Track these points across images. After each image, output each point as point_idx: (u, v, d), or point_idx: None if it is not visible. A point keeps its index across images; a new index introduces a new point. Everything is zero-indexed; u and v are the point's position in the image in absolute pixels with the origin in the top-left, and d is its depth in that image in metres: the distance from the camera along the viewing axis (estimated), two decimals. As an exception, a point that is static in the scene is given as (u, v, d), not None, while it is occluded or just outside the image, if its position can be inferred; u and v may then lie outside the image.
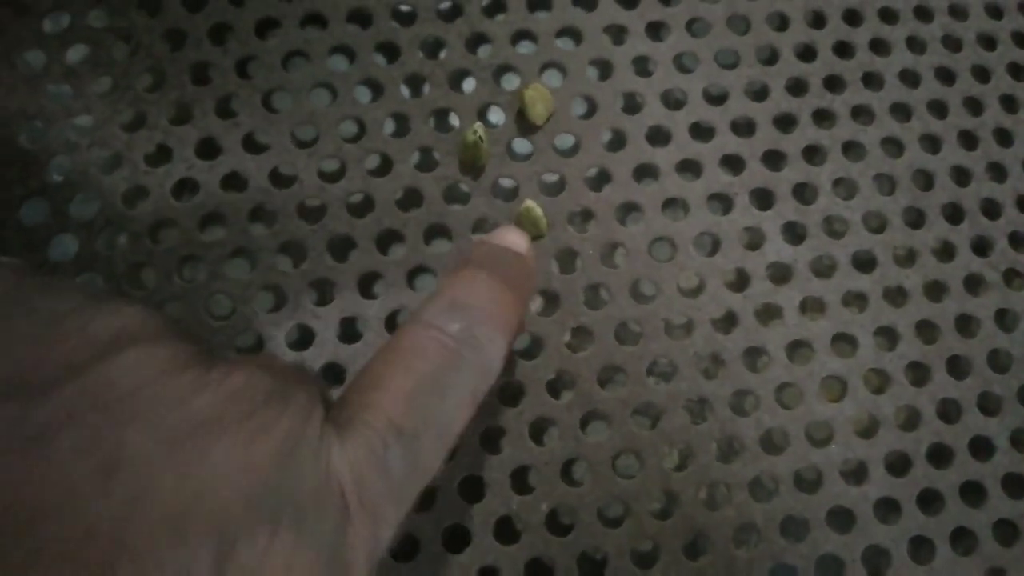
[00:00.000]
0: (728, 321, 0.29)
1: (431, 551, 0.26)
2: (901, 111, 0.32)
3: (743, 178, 0.30)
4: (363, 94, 0.31)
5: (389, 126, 0.30)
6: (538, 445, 0.27)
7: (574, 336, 0.29)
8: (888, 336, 0.29)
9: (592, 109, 0.31)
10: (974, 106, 0.32)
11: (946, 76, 0.33)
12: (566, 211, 0.29)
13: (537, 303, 0.29)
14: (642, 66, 0.31)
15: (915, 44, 0.33)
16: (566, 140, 0.31)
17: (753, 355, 0.29)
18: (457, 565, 0.26)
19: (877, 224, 0.31)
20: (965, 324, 0.30)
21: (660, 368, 0.28)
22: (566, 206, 0.29)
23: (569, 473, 0.27)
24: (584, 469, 0.27)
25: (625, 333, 0.29)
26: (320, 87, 0.30)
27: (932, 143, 0.32)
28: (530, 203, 0.28)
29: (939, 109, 0.32)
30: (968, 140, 0.32)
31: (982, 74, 0.33)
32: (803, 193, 0.31)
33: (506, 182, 0.30)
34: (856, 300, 0.30)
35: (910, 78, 0.32)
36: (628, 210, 0.30)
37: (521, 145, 0.30)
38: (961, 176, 0.32)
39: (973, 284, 0.30)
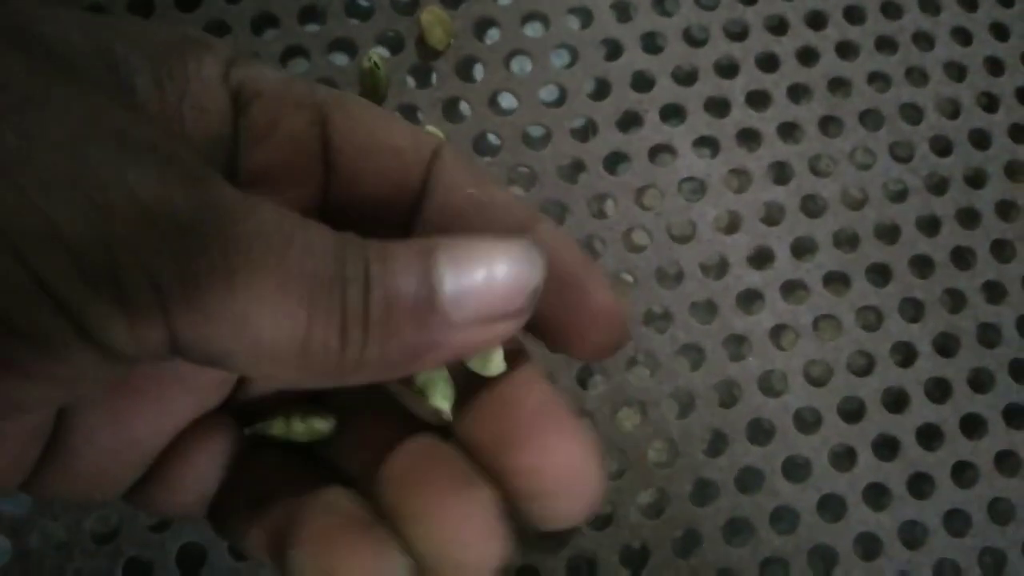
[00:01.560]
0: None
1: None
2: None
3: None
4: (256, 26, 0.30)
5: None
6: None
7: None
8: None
9: (493, 28, 0.30)
10: (963, 35, 0.31)
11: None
12: (470, 138, 0.29)
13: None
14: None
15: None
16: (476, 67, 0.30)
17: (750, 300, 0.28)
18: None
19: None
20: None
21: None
22: (470, 133, 0.29)
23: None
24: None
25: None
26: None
27: (927, 41, 0.31)
28: (432, 129, 0.27)
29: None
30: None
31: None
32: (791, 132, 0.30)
33: (409, 111, 0.29)
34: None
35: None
36: (540, 139, 0.29)
37: (421, 73, 0.29)
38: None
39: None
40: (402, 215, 0.15)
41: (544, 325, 0.14)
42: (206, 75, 0.14)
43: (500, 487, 0.13)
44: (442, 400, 0.14)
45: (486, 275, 0.12)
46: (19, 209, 0.10)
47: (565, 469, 0.13)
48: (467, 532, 0.13)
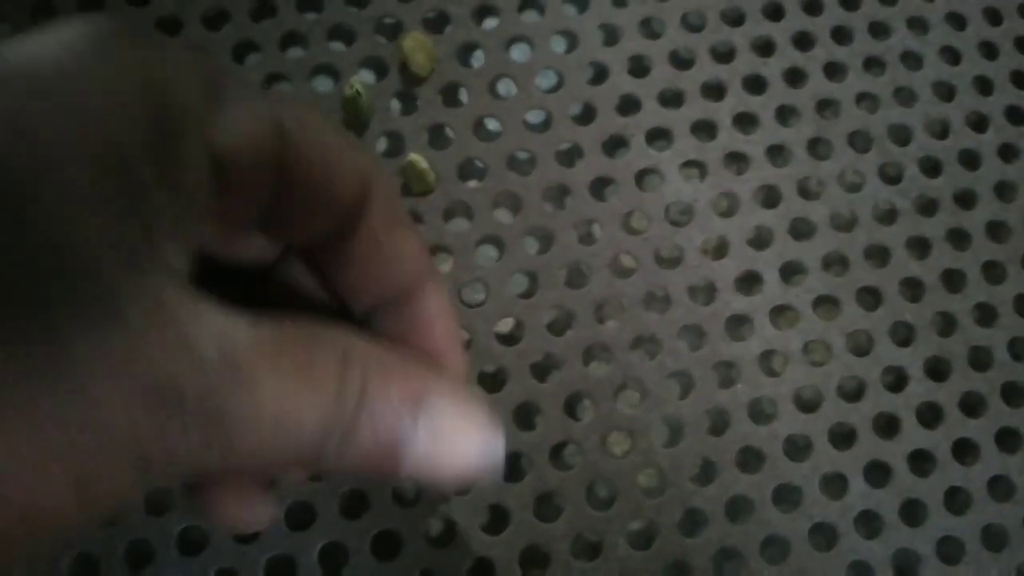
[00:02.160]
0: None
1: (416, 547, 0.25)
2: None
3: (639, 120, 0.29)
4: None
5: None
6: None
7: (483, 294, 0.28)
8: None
9: (478, 52, 0.30)
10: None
11: None
12: (454, 164, 0.28)
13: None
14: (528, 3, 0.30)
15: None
16: (459, 92, 0.30)
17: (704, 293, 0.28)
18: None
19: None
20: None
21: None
22: (454, 159, 0.28)
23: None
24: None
25: (533, 281, 0.28)
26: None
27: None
28: (415, 156, 0.27)
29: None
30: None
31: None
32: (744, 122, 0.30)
33: (391, 138, 0.29)
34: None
35: None
36: (522, 162, 0.29)
37: (406, 99, 0.29)
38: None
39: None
40: (330, 240, 0.17)
41: None
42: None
43: None
44: None
45: (459, 451, 0.15)
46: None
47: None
48: None
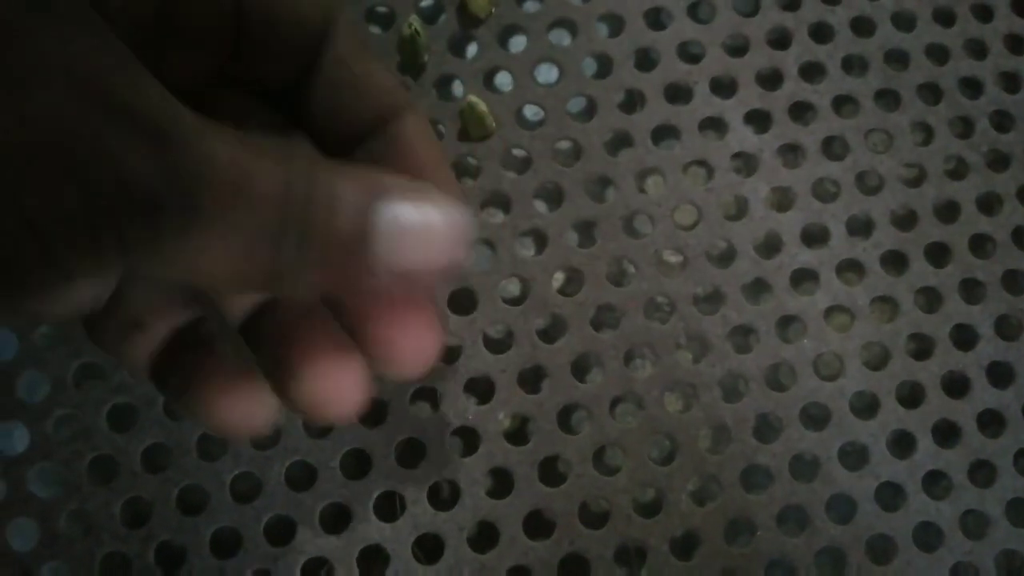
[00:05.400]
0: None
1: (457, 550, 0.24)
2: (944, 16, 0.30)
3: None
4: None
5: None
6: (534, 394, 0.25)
7: (532, 237, 0.27)
8: (864, 225, 0.28)
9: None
10: None
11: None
12: (512, 109, 0.27)
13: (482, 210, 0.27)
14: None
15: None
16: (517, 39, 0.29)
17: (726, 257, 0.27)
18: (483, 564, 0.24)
19: (848, 109, 0.29)
20: (948, 210, 0.28)
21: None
22: (512, 104, 0.27)
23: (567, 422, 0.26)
24: (582, 416, 0.26)
25: (586, 234, 0.27)
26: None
27: (986, 13, 0.30)
28: (474, 99, 0.26)
29: None
30: (946, 17, 0.30)
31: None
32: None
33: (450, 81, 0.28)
34: (915, 179, 0.28)
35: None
36: (588, 111, 0.28)
37: (465, 41, 0.28)
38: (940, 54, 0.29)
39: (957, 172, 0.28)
40: (297, 78, 0.16)
41: None
42: None
43: (363, 351, 0.16)
44: None
45: (426, 236, 0.14)
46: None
47: (412, 348, 0.16)
48: (334, 391, 0.16)
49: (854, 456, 0.26)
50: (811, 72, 0.29)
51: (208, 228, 0.12)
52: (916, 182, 0.28)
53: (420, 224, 0.14)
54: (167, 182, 0.12)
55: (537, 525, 0.24)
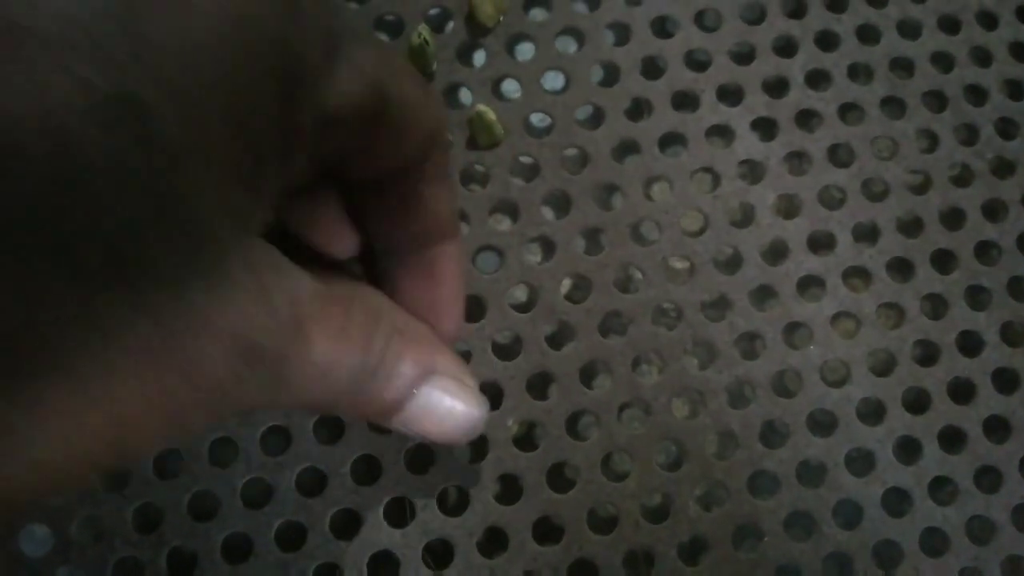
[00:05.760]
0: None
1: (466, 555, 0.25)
2: (950, 23, 0.30)
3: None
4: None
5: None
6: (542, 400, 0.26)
7: (540, 246, 0.27)
8: (870, 232, 0.28)
9: (547, 4, 0.29)
10: None
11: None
12: (519, 117, 0.28)
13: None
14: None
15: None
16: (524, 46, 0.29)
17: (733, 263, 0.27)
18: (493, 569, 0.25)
19: (854, 116, 0.29)
20: (952, 218, 0.28)
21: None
22: (520, 112, 0.28)
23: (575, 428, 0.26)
24: (590, 422, 0.26)
25: (593, 241, 0.27)
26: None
27: (991, 21, 0.30)
28: (482, 108, 0.26)
29: None
30: (951, 25, 0.30)
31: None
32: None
33: (458, 89, 0.28)
34: (921, 185, 0.28)
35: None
36: (587, 118, 0.28)
37: (472, 49, 0.28)
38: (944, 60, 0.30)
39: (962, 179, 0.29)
40: (381, 179, 0.17)
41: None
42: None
43: None
44: None
45: (444, 419, 0.18)
46: None
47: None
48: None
49: (860, 462, 0.26)
50: (817, 80, 0.29)
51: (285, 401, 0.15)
52: (921, 189, 0.28)
53: (445, 410, 0.18)
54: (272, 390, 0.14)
55: (546, 531, 0.25)
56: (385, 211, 0.18)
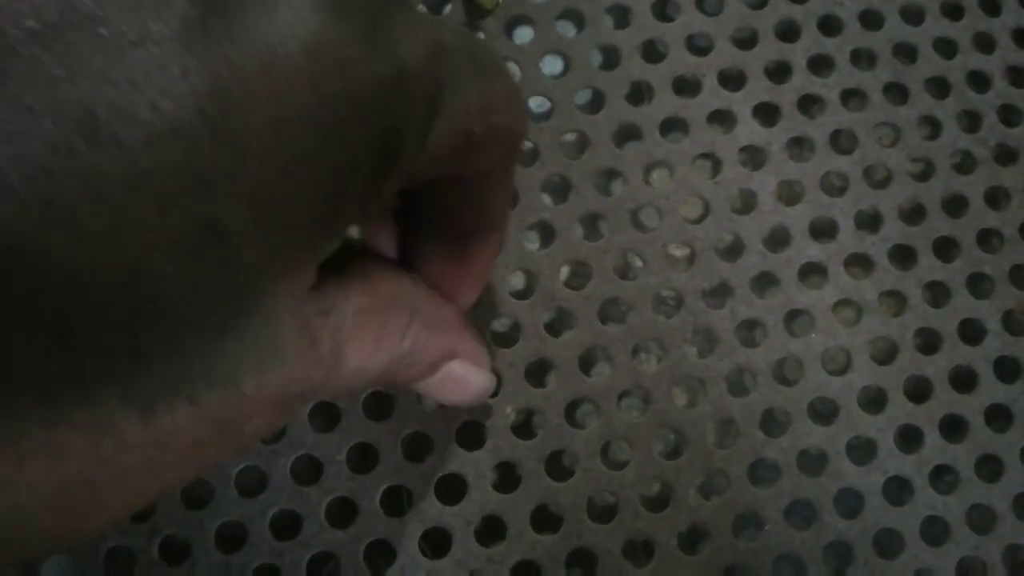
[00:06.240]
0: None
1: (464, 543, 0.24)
2: (954, 10, 0.29)
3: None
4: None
5: None
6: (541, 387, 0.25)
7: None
8: (872, 219, 0.28)
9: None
10: None
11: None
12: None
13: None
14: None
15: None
16: None
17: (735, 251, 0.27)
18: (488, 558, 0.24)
19: (856, 102, 0.28)
20: (954, 204, 0.28)
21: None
22: (521, 95, 0.27)
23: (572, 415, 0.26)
24: (588, 411, 0.26)
25: (592, 227, 0.27)
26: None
27: (994, 7, 0.29)
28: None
29: None
30: (954, 11, 0.30)
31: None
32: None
33: None
34: (924, 172, 0.28)
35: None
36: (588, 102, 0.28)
37: (471, 31, 0.28)
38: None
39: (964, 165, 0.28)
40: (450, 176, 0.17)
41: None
42: None
43: None
44: None
45: (459, 390, 0.19)
46: None
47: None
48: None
49: (861, 450, 0.26)
50: (819, 65, 0.29)
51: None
52: (924, 176, 0.28)
53: (460, 379, 0.19)
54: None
55: (544, 519, 0.24)
56: (439, 209, 0.17)
